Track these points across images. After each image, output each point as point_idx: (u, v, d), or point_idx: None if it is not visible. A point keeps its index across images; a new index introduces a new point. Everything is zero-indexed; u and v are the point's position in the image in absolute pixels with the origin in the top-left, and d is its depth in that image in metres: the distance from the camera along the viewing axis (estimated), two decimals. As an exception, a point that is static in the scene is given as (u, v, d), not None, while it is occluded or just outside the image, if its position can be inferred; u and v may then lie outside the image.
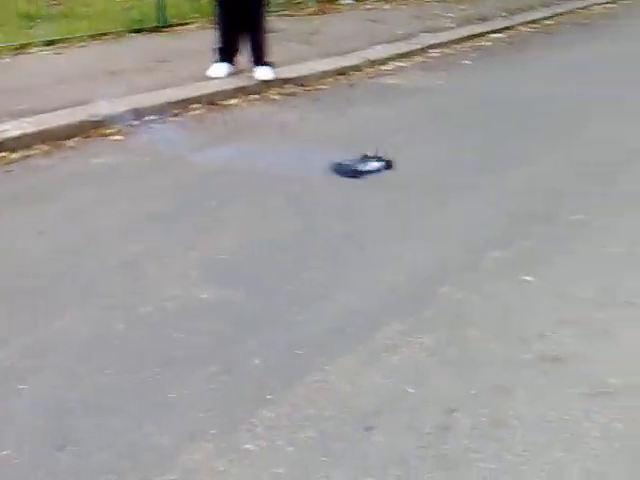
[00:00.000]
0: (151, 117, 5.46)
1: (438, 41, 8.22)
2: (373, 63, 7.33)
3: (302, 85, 6.57)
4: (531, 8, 10.18)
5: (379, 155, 4.55)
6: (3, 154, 4.65)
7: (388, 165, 4.50)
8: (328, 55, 7.35)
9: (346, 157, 4.55)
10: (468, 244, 3.60)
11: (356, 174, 4.40)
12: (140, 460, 2.21)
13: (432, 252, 3.52)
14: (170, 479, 2.14)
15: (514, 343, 2.77)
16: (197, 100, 5.88)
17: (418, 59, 7.71)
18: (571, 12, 10.50)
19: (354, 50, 7.58)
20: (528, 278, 3.24)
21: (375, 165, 4.49)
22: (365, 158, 4.53)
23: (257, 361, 2.67)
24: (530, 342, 2.77)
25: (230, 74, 6.39)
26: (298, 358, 2.69)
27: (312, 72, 6.83)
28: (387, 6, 10.12)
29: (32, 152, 4.73)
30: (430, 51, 7.97)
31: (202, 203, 4.03)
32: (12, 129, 4.86)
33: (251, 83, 6.32)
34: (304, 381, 2.56)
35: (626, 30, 9.57)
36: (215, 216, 3.88)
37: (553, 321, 2.91)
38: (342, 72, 7.02)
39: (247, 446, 2.26)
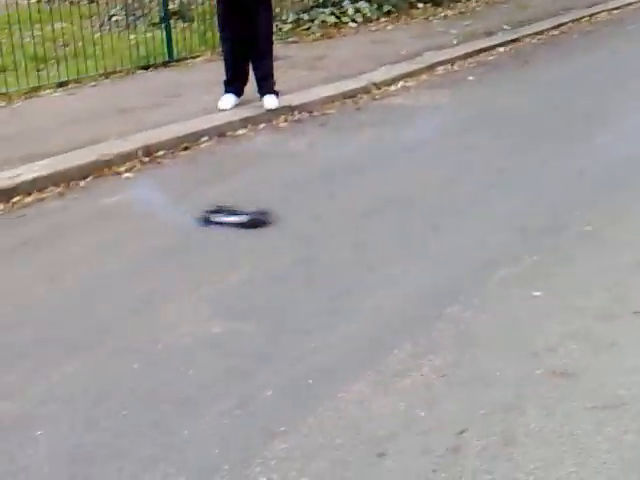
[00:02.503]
0: (161, 152, 5.54)
1: (443, 58, 8.25)
2: (379, 85, 7.38)
3: (309, 111, 6.63)
4: (535, 19, 10.18)
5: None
6: (17, 198, 4.73)
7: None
8: (334, 80, 7.42)
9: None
10: (476, 261, 3.61)
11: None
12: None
13: (438, 271, 3.54)
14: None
15: (523, 359, 2.79)
16: (206, 133, 5.95)
17: (424, 78, 7.74)
18: (576, 21, 10.49)
19: (360, 73, 7.64)
20: (536, 293, 3.26)
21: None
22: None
23: (269, 393, 2.70)
24: (539, 357, 2.79)
25: (238, 105, 6.47)
26: (309, 387, 2.72)
27: (318, 98, 6.89)
28: (391, 26, 10.18)
29: (45, 195, 4.81)
30: (435, 69, 8.00)
31: (212, 238, 4.09)
32: (25, 173, 4.95)
33: (259, 112, 6.38)
34: (316, 410, 2.59)
35: (632, 36, 9.56)
36: (224, 251, 3.93)
37: (562, 335, 2.92)
38: (349, 96, 7.08)
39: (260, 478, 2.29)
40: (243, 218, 4.22)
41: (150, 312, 3.33)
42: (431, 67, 8.02)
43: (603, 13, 11.18)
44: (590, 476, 2.20)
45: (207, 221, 4.24)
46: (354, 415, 2.55)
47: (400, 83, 7.52)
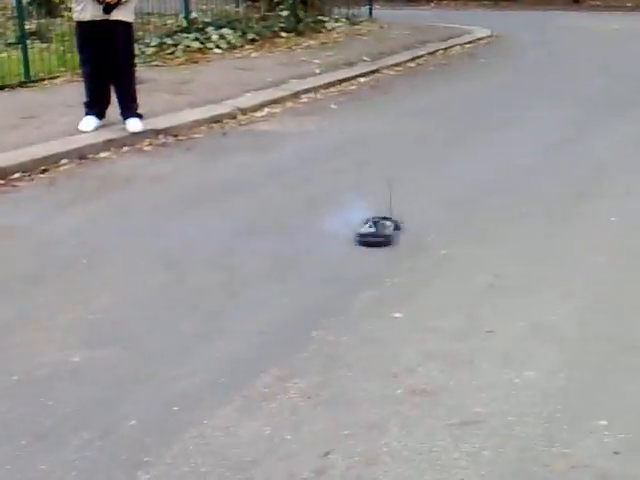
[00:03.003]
0: (17, 175, 5.33)
1: (307, 87, 8.43)
2: (245, 110, 7.43)
3: (175, 135, 6.59)
4: (394, 52, 10.59)
5: (387, 216, 4.25)
6: None
7: (397, 226, 4.23)
8: (200, 104, 7.41)
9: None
10: (341, 284, 3.69)
11: (387, 240, 4.13)
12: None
13: (306, 294, 3.59)
14: None
15: (385, 380, 2.86)
16: (66, 155, 5.79)
17: (289, 105, 7.87)
18: (432, 54, 11.00)
19: (226, 98, 7.67)
20: (397, 315, 3.36)
21: (391, 226, 4.21)
22: (375, 221, 4.22)
23: (132, 422, 2.64)
24: (400, 377, 2.87)
25: (100, 127, 6.33)
26: (175, 415, 2.68)
27: (184, 122, 6.86)
28: (255, 54, 10.30)
29: None
30: (300, 97, 8.16)
31: (71, 262, 3.96)
32: None
33: (122, 135, 6.28)
34: (181, 438, 2.55)
35: (483, 69, 10.13)
36: (85, 275, 3.82)
37: (421, 355, 3.02)
38: (215, 121, 7.09)
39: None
40: None
41: (4, 341, 3.18)
42: (296, 95, 8.17)
43: (457, 47, 11.80)
44: (447, 490, 2.28)
45: None
46: (219, 441, 2.53)
47: (266, 109, 7.61)
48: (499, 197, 4.91)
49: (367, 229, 4.17)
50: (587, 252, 4.02)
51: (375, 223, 4.20)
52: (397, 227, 4.22)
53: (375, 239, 4.13)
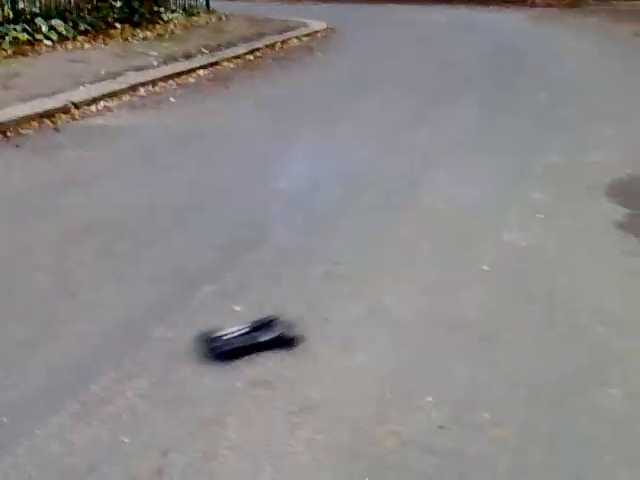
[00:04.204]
0: None
1: (144, 79, 8.25)
2: (79, 105, 7.17)
3: (2, 132, 6.26)
4: (231, 44, 10.57)
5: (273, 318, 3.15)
6: None
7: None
8: (30, 99, 7.08)
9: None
10: (181, 280, 3.66)
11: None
12: None
13: (147, 292, 3.54)
14: None
15: (226, 373, 2.87)
16: None
17: (125, 98, 7.68)
18: (270, 46, 11.06)
19: (58, 92, 7.37)
20: (237, 307, 3.38)
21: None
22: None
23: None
24: (240, 370, 2.89)
25: None
26: (4, 427, 2.57)
27: (12, 117, 6.53)
28: (88, 45, 9.96)
29: None
30: (137, 90, 7.98)
31: None
32: None
33: (-57, 133, 5.90)
34: (13, 451, 2.45)
35: (319, 62, 10.31)
36: None
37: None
38: (46, 115, 6.79)
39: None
40: None
41: None
42: (133, 88, 7.98)
43: (294, 40, 11.93)
44: (285, 478, 2.33)
45: None
46: (53, 450, 2.46)
47: (101, 103, 7.38)
48: (337, 188, 5.03)
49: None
50: (417, 238, 4.20)
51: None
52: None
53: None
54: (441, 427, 2.57)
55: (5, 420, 2.60)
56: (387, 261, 3.91)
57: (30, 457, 2.42)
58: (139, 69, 8.63)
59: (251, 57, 10.24)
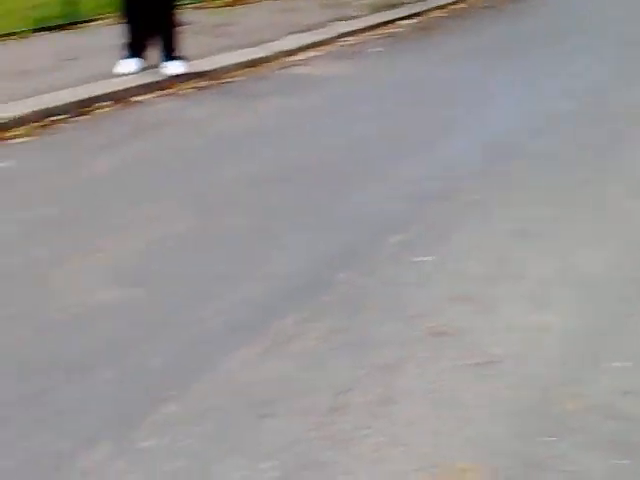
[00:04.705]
0: (57, 117, 5.40)
1: (349, 29, 8.30)
2: (285, 54, 7.37)
3: (213, 79, 6.58)
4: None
5: None
6: None
7: None
8: (240, 47, 7.37)
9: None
10: (371, 228, 3.69)
11: None
12: (39, 466, 2.22)
13: (334, 238, 3.61)
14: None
15: (407, 322, 2.88)
16: (106, 97, 5.83)
17: (329, 48, 7.78)
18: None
19: (266, 41, 7.61)
20: (425, 258, 3.36)
21: None
22: None
23: (158, 359, 2.70)
24: (422, 319, 2.88)
25: (140, 70, 6.36)
26: (198, 354, 2.74)
27: (223, 65, 6.84)
28: (298, -5, 10.15)
29: None
30: (341, 40, 8.05)
31: (106, 205, 4.03)
32: None
33: (161, 78, 6.30)
34: (203, 376, 2.61)
35: (531, 10, 9.84)
36: (118, 218, 3.88)
37: (444, 298, 3.03)
38: (254, 64, 7.05)
39: (146, 444, 2.29)
40: None
41: (40, 279, 3.27)
42: (337, 38, 8.06)
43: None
44: (463, 429, 2.30)
45: None
46: (239, 380, 2.58)
47: (306, 53, 7.53)
48: (537, 141, 4.82)
49: None
50: (621, 197, 3.94)
51: None
52: None
53: None
54: (627, 393, 2.44)
55: (199, 348, 2.77)
56: (582, 219, 3.71)
57: (220, 384, 2.57)
58: (345, 19, 8.69)
59: (461, 5, 9.98)
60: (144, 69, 6.38)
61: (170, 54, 6.38)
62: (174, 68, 6.36)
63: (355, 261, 3.38)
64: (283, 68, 7.06)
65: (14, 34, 7.53)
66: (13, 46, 7.30)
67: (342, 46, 7.90)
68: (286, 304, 3.04)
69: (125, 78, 6.21)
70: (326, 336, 2.82)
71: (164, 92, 6.15)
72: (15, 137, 5.06)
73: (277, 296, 3.12)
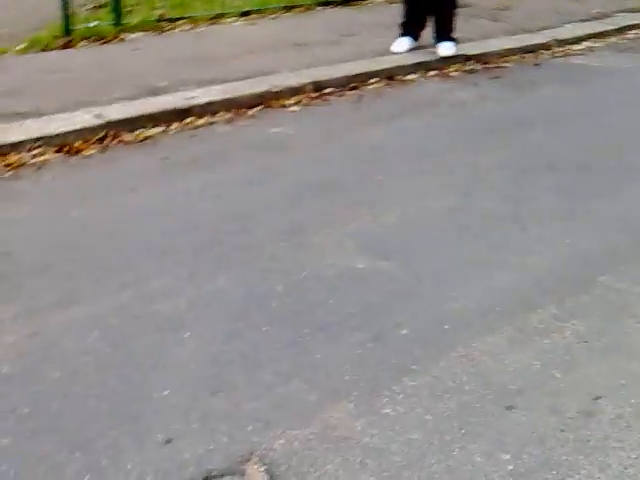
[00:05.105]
0: (329, 90, 5.60)
1: (636, 22, 7.76)
2: (562, 42, 7.06)
3: (484, 63, 6.47)
4: None
5: None
6: (190, 119, 4.96)
7: None
8: (515, 32, 7.17)
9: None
10: (635, 230, 3.44)
11: None
12: (286, 412, 2.34)
13: (597, 237, 3.41)
14: (311, 432, 2.25)
15: (675, 337, 2.65)
16: (376, 74, 5.95)
17: (612, 40, 7.33)
18: None
19: (543, 28, 7.34)
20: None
21: None
22: None
23: (404, 332, 2.72)
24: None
25: (412, 49, 6.40)
26: (445, 332, 2.72)
27: (496, 49, 6.70)
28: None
29: (216, 119, 5.01)
30: (626, 32, 7.55)
31: (368, 176, 4.12)
32: (200, 96, 5.17)
33: (431, 59, 6.30)
34: (449, 355, 2.59)
35: None
36: (378, 189, 3.95)
37: None
38: (528, 50, 6.83)
39: (386, 410, 2.33)
40: None
41: (300, 240, 3.42)
42: (621, 30, 7.57)
43: None
44: None
45: None
46: (486, 365, 2.53)
47: (585, 43, 7.16)
48: None
49: None
50: None
51: None
52: None
53: None
54: None
55: (447, 327, 2.75)
56: None
57: (464, 366, 2.53)
58: (632, 10, 8.13)
59: None
60: (416, 48, 6.42)
61: (444, 35, 6.35)
62: (446, 49, 6.33)
63: (618, 263, 3.16)
64: (559, 57, 6.76)
65: (299, 6, 7.92)
66: (297, 19, 7.68)
67: (626, 39, 7.41)
68: (541, 298, 2.92)
69: (397, 56, 6.29)
70: (582, 337, 2.67)
71: (434, 73, 6.16)
72: (288, 106, 5.32)
73: (531, 289, 3.01)
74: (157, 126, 4.81)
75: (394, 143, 4.62)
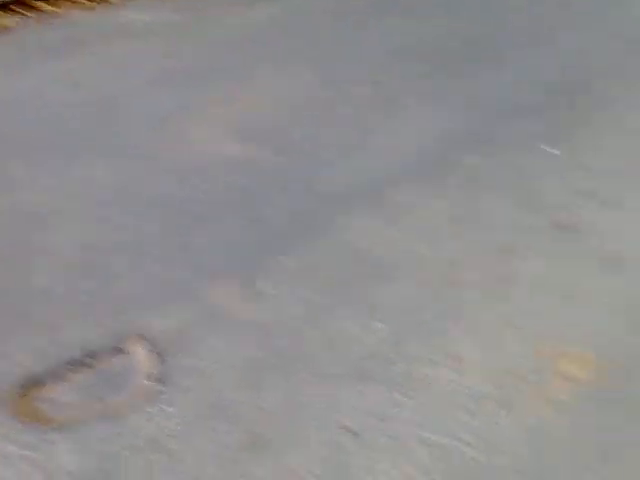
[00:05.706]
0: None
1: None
2: None
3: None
4: None
5: None
6: (46, 7, 4.68)
7: None
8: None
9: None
10: (498, 113, 3.61)
11: None
12: (168, 294, 2.37)
13: (460, 119, 3.55)
14: (194, 311, 2.28)
15: (531, 211, 2.84)
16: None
17: None
18: None
19: None
20: (554, 150, 3.27)
21: None
22: None
23: (280, 215, 2.78)
24: (546, 209, 2.84)
25: None
26: (319, 214, 2.80)
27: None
28: None
29: (76, 6, 4.75)
30: None
31: (237, 63, 4.06)
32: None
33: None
34: (324, 235, 2.67)
35: None
36: (246, 76, 3.91)
37: (570, 191, 2.96)
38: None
39: (265, 288, 2.40)
40: None
41: (169, 128, 3.36)
42: None
43: None
44: (581, 317, 2.30)
45: None
46: (359, 244, 2.63)
47: None
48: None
49: None
50: None
51: None
52: None
53: None
54: None
55: (321, 209, 2.83)
56: None
57: (337, 244, 2.63)
58: None
59: None
60: None
61: None
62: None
63: (482, 144, 3.32)
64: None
65: None
66: None
67: None
68: (406, 177, 3.04)
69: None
70: (444, 211, 2.82)
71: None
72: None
73: (397, 169, 3.11)
74: (12, 15, 4.53)
75: (262, 30, 4.53)
